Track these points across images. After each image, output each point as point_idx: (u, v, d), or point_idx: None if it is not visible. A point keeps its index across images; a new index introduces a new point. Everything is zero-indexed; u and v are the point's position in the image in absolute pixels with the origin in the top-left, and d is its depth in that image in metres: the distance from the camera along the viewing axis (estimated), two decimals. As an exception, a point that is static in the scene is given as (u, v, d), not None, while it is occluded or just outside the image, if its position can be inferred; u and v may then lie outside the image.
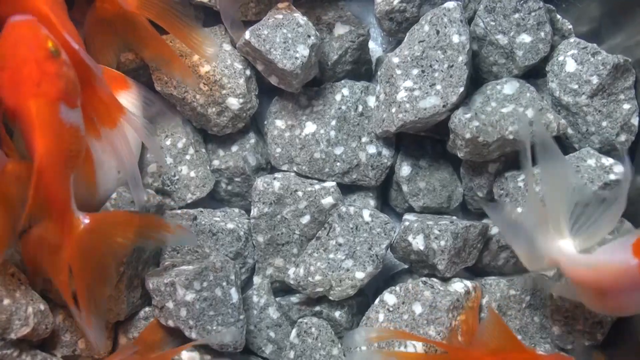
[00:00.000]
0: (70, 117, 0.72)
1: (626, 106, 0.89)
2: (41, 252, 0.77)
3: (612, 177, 0.85)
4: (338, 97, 0.96)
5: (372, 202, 0.98)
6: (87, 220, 0.76)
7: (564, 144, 0.93)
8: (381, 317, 0.88)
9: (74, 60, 0.75)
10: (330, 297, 0.91)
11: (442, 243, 0.89)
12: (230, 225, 0.95)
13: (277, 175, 0.96)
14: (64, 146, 0.71)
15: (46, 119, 0.69)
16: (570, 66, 0.90)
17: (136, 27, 0.84)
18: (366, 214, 0.91)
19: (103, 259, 0.77)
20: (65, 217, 0.74)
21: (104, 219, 0.78)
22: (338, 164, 0.95)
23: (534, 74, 0.94)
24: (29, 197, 0.70)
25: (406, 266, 0.96)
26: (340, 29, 0.97)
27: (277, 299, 0.96)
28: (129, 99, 0.88)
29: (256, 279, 0.97)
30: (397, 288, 0.88)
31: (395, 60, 0.90)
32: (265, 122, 0.99)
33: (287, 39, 0.89)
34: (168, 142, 0.96)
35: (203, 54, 0.87)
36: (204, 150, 0.98)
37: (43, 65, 0.69)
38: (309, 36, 0.90)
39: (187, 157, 0.96)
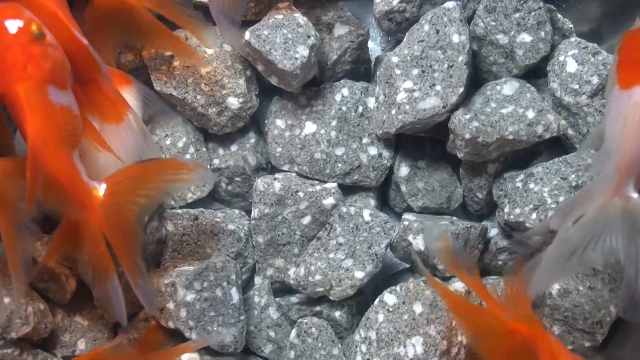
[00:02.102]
0: (61, 98, 0.71)
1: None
2: (75, 240, 0.76)
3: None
4: (338, 98, 0.96)
5: (372, 202, 0.98)
6: (104, 186, 0.75)
7: (565, 145, 0.93)
8: (381, 317, 0.88)
9: (82, 55, 0.75)
10: (331, 297, 0.91)
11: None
12: (231, 226, 0.95)
13: (277, 175, 0.96)
14: (57, 127, 0.71)
15: (35, 101, 0.69)
16: (571, 66, 0.90)
17: (137, 18, 0.83)
18: (366, 214, 0.91)
19: (135, 215, 0.76)
20: (80, 191, 0.73)
21: (121, 179, 0.77)
22: (339, 164, 0.95)
23: (534, 74, 0.94)
24: (27, 180, 0.69)
25: (407, 265, 0.96)
26: (339, 29, 0.97)
27: (277, 299, 0.96)
28: (130, 95, 0.88)
29: (257, 279, 0.97)
30: (398, 288, 0.88)
31: (395, 59, 0.90)
32: (266, 122, 0.99)
33: (287, 40, 0.89)
34: (168, 142, 0.96)
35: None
36: (204, 149, 0.98)
37: (28, 48, 0.68)
38: (309, 36, 0.90)
39: (187, 156, 0.96)
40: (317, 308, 0.94)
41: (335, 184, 0.94)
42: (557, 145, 0.93)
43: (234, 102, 0.93)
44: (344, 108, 0.96)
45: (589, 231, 0.70)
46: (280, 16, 0.91)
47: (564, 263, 0.71)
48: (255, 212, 0.94)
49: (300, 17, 0.91)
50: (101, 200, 0.74)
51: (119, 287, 0.77)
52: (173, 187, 0.79)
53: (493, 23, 0.90)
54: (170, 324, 0.88)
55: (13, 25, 0.68)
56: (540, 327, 0.76)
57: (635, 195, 0.71)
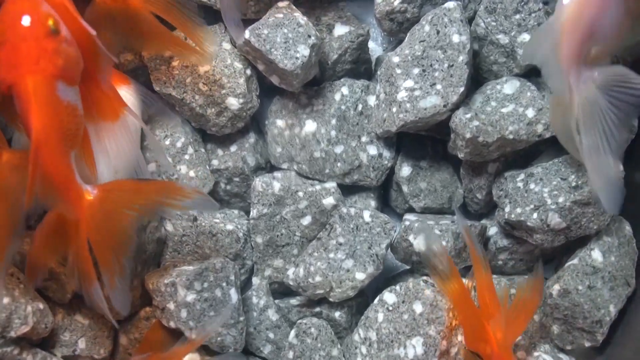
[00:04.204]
0: (68, 95, 0.71)
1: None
2: (59, 235, 0.76)
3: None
4: (337, 97, 0.96)
5: (373, 203, 0.98)
6: (95, 191, 0.75)
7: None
8: (380, 317, 0.88)
9: (89, 47, 0.75)
10: (330, 299, 0.91)
11: (443, 243, 0.89)
12: (229, 227, 0.94)
13: (276, 174, 0.95)
14: (61, 123, 0.71)
15: (43, 95, 0.69)
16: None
17: (140, 21, 0.83)
18: (366, 215, 0.91)
19: (121, 226, 0.77)
20: (72, 192, 0.74)
21: (113, 188, 0.77)
22: (339, 164, 0.95)
23: (536, 73, 0.94)
24: (29, 174, 0.69)
25: (407, 267, 0.96)
26: (340, 29, 0.97)
27: (276, 301, 0.96)
28: (129, 95, 0.88)
29: (255, 280, 0.97)
30: (397, 287, 0.88)
31: (396, 59, 0.90)
32: (266, 122, 0.99)
33: (288, 39, 0.89)
34: (167, 142, 0.96)
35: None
36: (203, 150, 0.98)
37: (42, 42, 0.69)
38: (310, 36, 0.89)
39: (186, 156, 0.96)
40: (317, 309, 0.94)
41: (334, 184, 0.94)
42: (558, 144, 0.93)
43: (233, 102, 0.93)
44: (343, 107, 0.96)
45: (594, 128, 0.73)
46: (281, 15, 0.91)
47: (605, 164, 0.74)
48: (254, 212, 0.94)
49: (300, 17, 0.90)
50: (90, 204, 0.75)
51: (101, 293, 0.77)
52: (165, 210, 0.80)
53: (494, 23, 0.90)
54: (172, 324, 0.88)
55: (29, 18, 0.69)
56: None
57: (590, 72, 0.73)
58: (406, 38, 0.91)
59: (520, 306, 0.82)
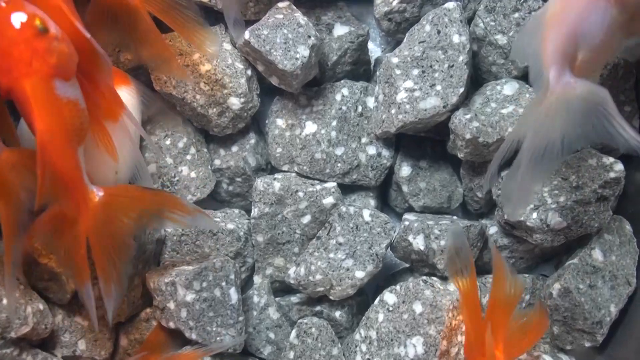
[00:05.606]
0: (67, 91, 0.72)
1: (627, 108, 0.89)
2: (57, 231, 0.76)
3: (612, 175, 0.85)
4: (338, 97, 0.96)
5: (372, 202, 0.98)
6: (101, 193, 0.75)
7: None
8: (381, 317, 0.88)
9: (84, 50, 0.75)
10: (331, 297, 0.91)
11: (442, 243, 0.89)
12: (230, 226, 0.94)
13: (277, 175, 0.95)
14: (64, 121, 0.71)
15: (42, 96, 0.69)
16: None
17: (137, 21, 0.83)
18: (366, 214, 0.91)
19: (120, 231, 0.77)
20: (78, 191, 0.74)
21: (119, 193, 0.77)
22: (339, 164, 0.95)
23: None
24: (38, 175, 0.69)
25: (407, 265, 0.96)
26: (339, 30, 0.97)
27: (277, 299, 0.96)
28: (129, 95, 0.88)
29: (256, 279, 0.97)
30: (398, 287, 0.88)
31: (395, 60, 0.90)
32: (267, 122, 0.99)
33: (288, 40, 0.89)
34: (168, 142, 0.96)
35: (204, 51, 0.87)
36: (205, 150, 0.98)
37: (32, 43, 0.69)
38: (309, 37, 0.90)
39: (188, 157, 0.96)
40: (318, 308, 0.94)
41: (334, 184, 0.94)
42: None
43: (235, 102, 0.93)
44: (344, 108, 0.96)
45: (547, 132, 0.69)
46: (281, 16, 0.91)
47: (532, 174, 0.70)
48: (255, 211, 0.94)
49: (300, 17, 0.91)
50: (94, 205, 0.75)
51: (91, 293, 0.77)
52: (165, 223, 0.80)
53: (492, 23, 0.91)
54: (171, 324, 0.87)
55: (17, 21, 0.69)
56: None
57: (574, 80, 0.69)
58: (405, 39, 0.91)
59: (527, 329, 0.82)
